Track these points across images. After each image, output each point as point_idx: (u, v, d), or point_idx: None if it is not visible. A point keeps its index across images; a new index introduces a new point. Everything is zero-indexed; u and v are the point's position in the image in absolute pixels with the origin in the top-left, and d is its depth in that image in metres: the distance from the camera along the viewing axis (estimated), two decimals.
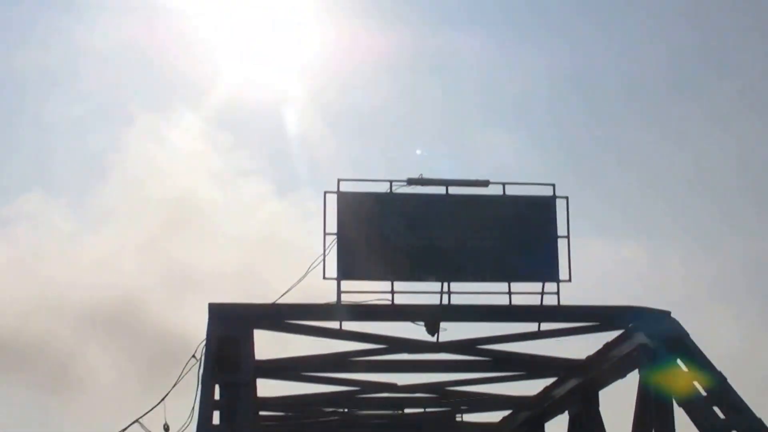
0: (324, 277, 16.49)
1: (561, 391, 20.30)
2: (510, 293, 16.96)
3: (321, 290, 16.94)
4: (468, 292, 17.26)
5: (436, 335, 17.28)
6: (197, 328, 16.71)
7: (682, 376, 15.96)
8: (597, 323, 17.77)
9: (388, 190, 17.09)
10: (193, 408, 15.73)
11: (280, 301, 16.69)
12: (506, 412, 24.18)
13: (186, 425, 16.10)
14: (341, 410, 24.25)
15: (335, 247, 16.58)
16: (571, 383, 19.61)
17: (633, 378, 17.41)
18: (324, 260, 16.48)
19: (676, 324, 16.66)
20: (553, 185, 17.34)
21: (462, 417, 25.83)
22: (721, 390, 15.66)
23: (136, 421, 16.49)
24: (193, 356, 16.20)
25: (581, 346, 19.35)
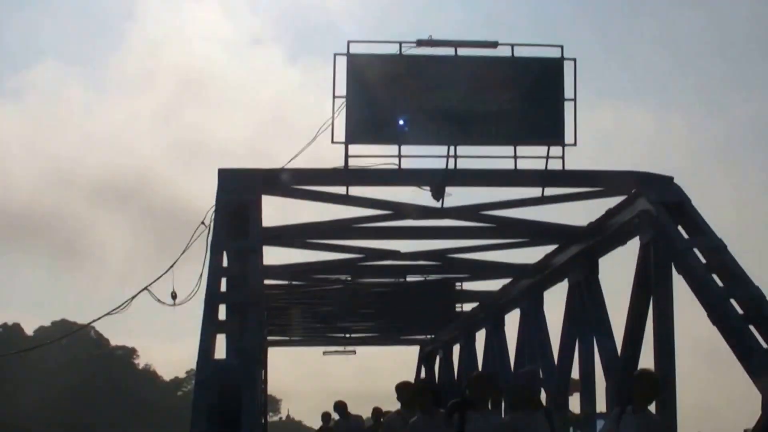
0: (332, 141, 16.51)
1: (561, 258, 20.58)
2: (515, 157, 17.07)
3: (329, 157, 17.06)
4: (474, 156, 17.40)
5: (441, 200, 17.43)
6: (207, 197, 16.85)
7: (682, 243, 16.16)
8: (600, 188, 17.95)
9: (398, 52, 16.93)
10: (201, 275, 15.90)
11: (289, 166, 16.81)
12: (506, 280, 24.57)
13: (194, 292, 16.29)
14: (344, 278, 24.63)
15: (344, 111, 16.55)
16: (572, 250, 19.86)
17: (633, 245, 17.67)
18: (332, 124, 16.47)
19: (678, 190, 16.77)
20: (561, 47, 17.17)
21: (462, 285, 26.28)
22: (720, 258, 15.85)
23: (145, 288, 16.69)
24: (202, 223, 16.34)
25: (583, 215, 19.61)
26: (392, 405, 17.61)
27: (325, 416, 24.45)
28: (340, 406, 21.41)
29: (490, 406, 10.55)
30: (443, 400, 12.62)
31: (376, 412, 19.29)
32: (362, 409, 21.85)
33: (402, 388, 13.99)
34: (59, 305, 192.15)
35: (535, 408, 10.03)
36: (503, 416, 10.44)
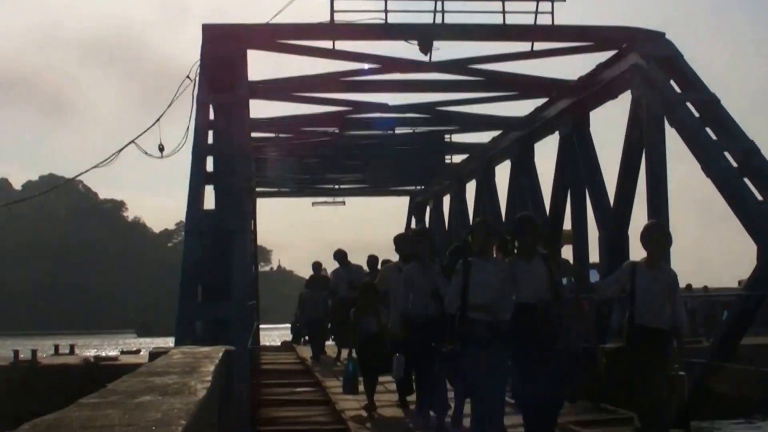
0: None
1: (552, 111, 20.40)
2: (504, 12, 16.73)
3: (315, 13, 16.74)
4: (462, 11, 17.07)
5: (428, 54, 17.15)
6: (193, 54, 16.62)
7: (675, 97, 16.01)
8: (590, 43, 17.68)
9: None
10: (187, 129, 15.85)
11: (274, 21, 16.50)
12: (496, 133, 24.42)
13: (181, 145, 16.26)
14: (332, 130, 24.44)
15: None
16: (563, 104, 19.68)
17: (625, 99, 17.50)
18: None
19: (670, 45, 16.55)
20: None
21: (451, 137, 26.13)
22: (713, 111, 15.75)
23: (132, 141, 16.66)
24: (188, 77, 16.14)
25: (574, 71, 19.37)
26: (384, 256, 17.72)
27: (316, 266, 24.43)
28: (340, 255, 21.19)
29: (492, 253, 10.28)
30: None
31: (372, 259, 19.18)
32: (354, 260, 21.78)
33: (399, 240, 13.91)
34: (47, 160, 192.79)
35: (530, 254, 9.78)
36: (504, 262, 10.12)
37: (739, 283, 27.02)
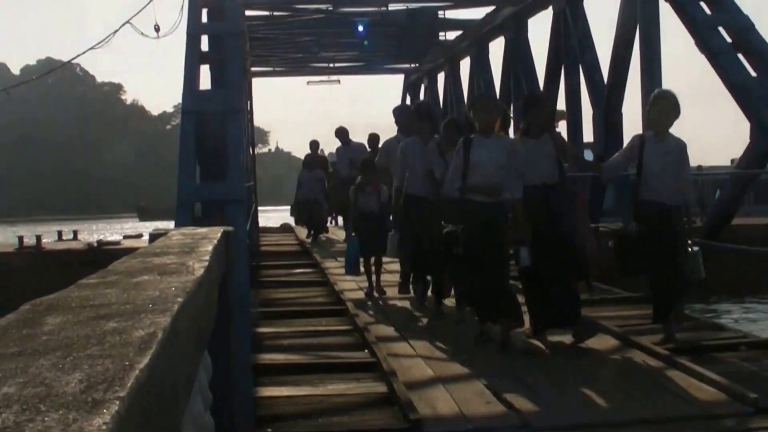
0: None
1: None
2: None
3: None
4: None
5: None
6: None
7: None
8: None
9: None
10: (182, 7, 15.67)
11: None
12: (489, 9, 24.17)
13: (176, 24, 16.13)
14: (325, 7, 24.17)
15: None
16: None
17: None
18: None
19: None
20: None
21: (445, 14, 25.86)
22: None
23: (127, 22, 16.52)
24: None
25: None
26: (384, 136, 17.61)
27: (313, 144, 24.40)
28: (341, 132, 20.84)
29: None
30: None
31: (374, 138, 18.96)
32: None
33: (399, 111, 13.46)
34: (45, 44, 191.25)
35: (540, 133, 8.97)
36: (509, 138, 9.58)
37: (732, 161, 27.01)
